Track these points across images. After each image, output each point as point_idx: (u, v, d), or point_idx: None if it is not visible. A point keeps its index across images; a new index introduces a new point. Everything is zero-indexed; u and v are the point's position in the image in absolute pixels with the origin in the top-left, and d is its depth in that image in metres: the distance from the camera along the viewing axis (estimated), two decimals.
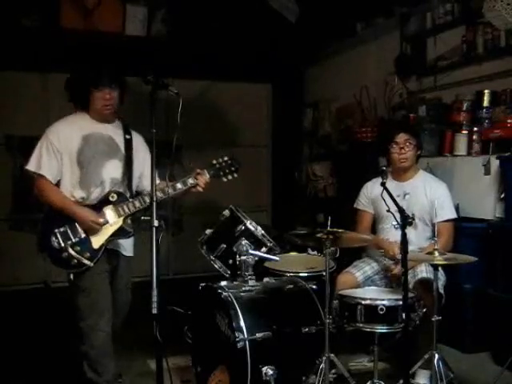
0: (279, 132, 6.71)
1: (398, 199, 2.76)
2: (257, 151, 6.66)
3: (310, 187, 6.18)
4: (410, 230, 2.91)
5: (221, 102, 6.30)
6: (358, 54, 5.63)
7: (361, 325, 2.73)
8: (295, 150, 6.65)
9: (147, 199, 2.78)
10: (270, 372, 2.66)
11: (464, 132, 4.02)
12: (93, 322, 2.82)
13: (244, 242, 3.06)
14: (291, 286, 3.06)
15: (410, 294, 2.73)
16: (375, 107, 5.35)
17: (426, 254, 2.84)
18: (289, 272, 3.29)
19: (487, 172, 3.78)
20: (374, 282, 3.35)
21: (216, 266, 3.19)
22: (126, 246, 3.01)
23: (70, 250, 2.75)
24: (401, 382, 2.71)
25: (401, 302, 2.62)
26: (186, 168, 5.26)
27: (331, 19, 5.43)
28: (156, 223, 2.23)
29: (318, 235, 2.81)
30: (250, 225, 3.12)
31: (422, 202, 3.40)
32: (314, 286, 3.07)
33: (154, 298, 2.15)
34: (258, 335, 2.69)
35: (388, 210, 2.69)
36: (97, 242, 2.80)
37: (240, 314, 2.71)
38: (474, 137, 3.93)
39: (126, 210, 2.83)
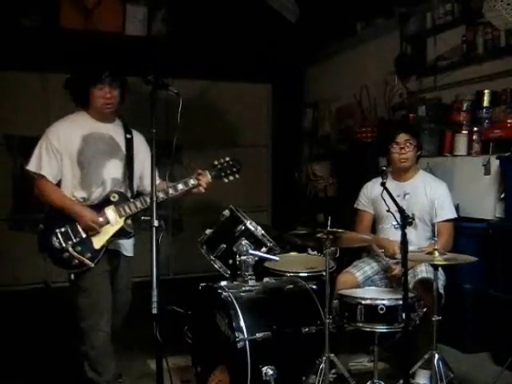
0: (279, 132, 6.71)
1: (398, 199, 2.76)
2: (257, 151, 6.66)
3: (309, 187, 6.18)
4: (410, 230, 2.91)
5: (221, 102, 6.30)
6: (357, 53, 5.63)
7: (361, 325, 2.73)
8: (295, 150, 6.65)
9: (148, 200, 2.77)
10: (270, 372, 2.66)
11: (464, 132, 4.02)
12: (93, 322, 2.82)
13: (244, 241, 3.06)
14: (291, 286, 3.06)
15: (410, 294, 2.73)
16: (375, 107, 5.36)
17: (425, 253, 2.84)
18: (289, 272, 3.29)
19: (487, 172, 3.78)
20: (373, 282, 3.35)
21: (216, 266, 3.19)
22: (127, 246, 3.01)
23: (71, 251, 2.74)
24: (401, 382, 2.71)
25: (401, 302, 2.63)
26: (186, 168, 5.29)
27: (331, 19, 5.43)
28: (156, 223, 2.23)
29: (318, 235, 2.81)
30: (250, 225, 3.12)
31: (422, 201, 3.40)
32: (314, 286, 3.07)
33: (154, 298, 2.15)
34: (258, 335, 2.69)
35: (388, 210, 2.69)
36: (98, 242, 2.80)
37: (240, 314, 2.71)
38: (474, 137, 3.93)
39: (128, 211, 2.83)
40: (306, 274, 3.28)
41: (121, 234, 2.85)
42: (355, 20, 5.50)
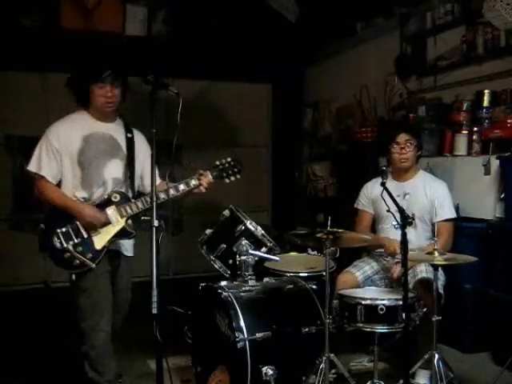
0: (279, 132, 6.72)
1: (398, 199, 2.76)
2: (257, 151, 6.66)
3: (309, 187, 6.18)
4: (409, 230, 2.90)
5: (221, 102, 6.29)
6: (357, 53, 5.63)
7: (361, 325, 2.73)
8: (295, 150, 6.66)
9: (149, 200, 2.77)
10: (270, 372, 2.66)
11: (464, 132, 4.02)
12: (94, 322, 2.81)
13: (244, 241, 3.06)
14: (291, 286, 3.06)
15: (410, 294, 2.73)
16: (375, 107, 5.36)
17: (425, 253, 2.84)
18: (289, 272, 3.29)
19: (487, 172, 3.78)
20: (373, 282, 3.35)
21: (216, 266, 3.19)
22: (127, 246, 3.01)
23: (73, 251, 2.74)
24: (401, 382, 2.71)
25: (401, 302, 2.63)
26: (185, 168, 5.30)
27: (331, 19, 5.43)
28: (156, 223, 2.23)
29: (318, 235, 2.81)
30: (250, 225, 3.12)
31: (421, 201, 3.40)
32: (314, 286, 3.07)
33: (154, 298, 2.15)
34: (258, 335, 2.69)
35: (388, 210, 2.69)
36: (99, 242, 2.80)
37: (240, 314, 2.71)
38: (474, 137, 3.93)
39: (129, 211, 2.82)
40: (306, 274, 3.28)
41: (122, 234, 2.84)
42: (355, 20, 5.50)
